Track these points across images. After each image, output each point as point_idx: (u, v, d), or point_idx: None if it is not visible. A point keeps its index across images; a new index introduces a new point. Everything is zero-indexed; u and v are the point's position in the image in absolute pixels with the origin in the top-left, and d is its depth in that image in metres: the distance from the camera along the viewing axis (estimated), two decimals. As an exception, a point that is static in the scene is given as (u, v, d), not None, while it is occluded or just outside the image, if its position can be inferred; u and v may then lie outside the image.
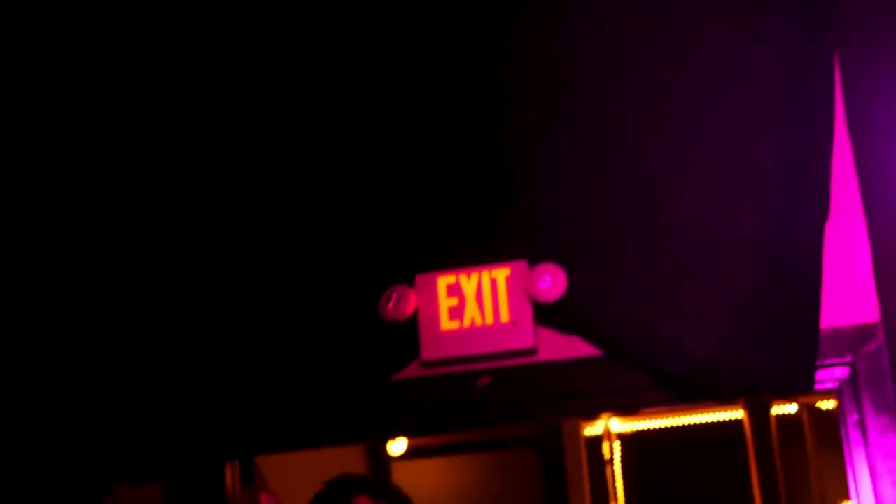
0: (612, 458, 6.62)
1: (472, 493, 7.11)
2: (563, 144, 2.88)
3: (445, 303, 2.86)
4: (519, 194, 2.87)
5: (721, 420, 6.53)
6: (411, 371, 2.90)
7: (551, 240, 2.84)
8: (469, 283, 2.86)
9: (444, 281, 2.87)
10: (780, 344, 2.66)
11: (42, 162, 3.09)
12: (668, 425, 6.66)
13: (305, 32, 3.05)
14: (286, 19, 3.05)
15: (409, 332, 2.87)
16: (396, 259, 2.91)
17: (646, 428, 6.70)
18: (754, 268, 2.70)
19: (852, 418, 2.80)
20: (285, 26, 3.05)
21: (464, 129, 2.93)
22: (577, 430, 6.67)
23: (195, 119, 3.05)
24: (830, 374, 2.84)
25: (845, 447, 2.81)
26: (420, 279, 2.88)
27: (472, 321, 2.85)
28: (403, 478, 6.55)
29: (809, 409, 6.34)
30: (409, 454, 6.86)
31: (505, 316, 2.83)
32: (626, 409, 4.70)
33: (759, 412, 6.29)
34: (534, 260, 2.83)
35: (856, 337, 2.74)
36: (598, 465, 6.64)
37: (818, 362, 2.69)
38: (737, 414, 6.40)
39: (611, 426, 6.65)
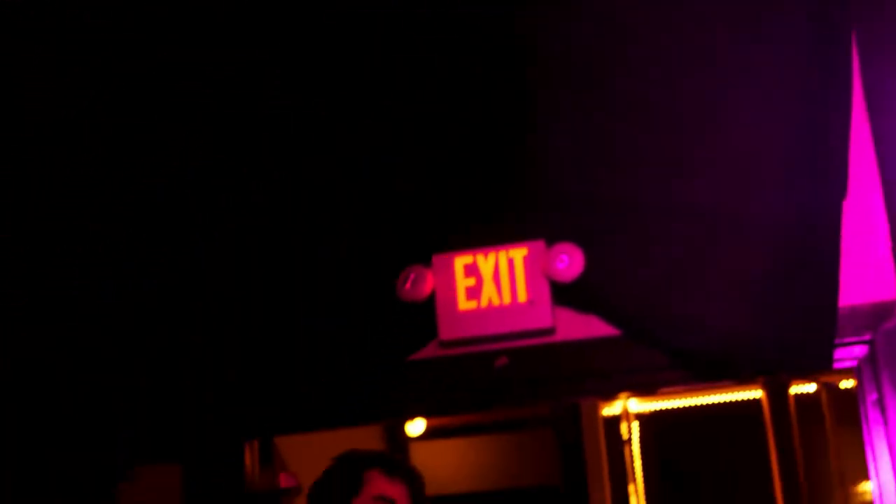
0: (630, 439, 6.62)
1: (490, 474, 7.13)
2: (579, 125, 2.87)
3: (463, 283, 2.86)
4: (536, 174, 2.87)
5: (739, 399, 6.52)
6: (429, 351, 2.91)
7: (569, 219, 2.84)
8: (486, 262, 2.86)
9: (461, 261, 2.87)
10: (798, 322, 2.65)
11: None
12: (687, 405, 6.65)
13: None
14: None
15: (426, 312, 2.87)
16: (413, 240, 2.92)
17: (664, 408, 6.70)
18: (772, 246, 2.70)
19: (871, 397, 2.79)
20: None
21: (478, 114, 2.92)
22: (595, 410, 6.67)
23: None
24: (849, 353, 2.84)
25: (864, 426, 2.81)
26: (437, 259, 2.88)
27: (490, 301, 2.85)
28: (421, 458, 6.57)
29: (828, 388, 6.33)
30: (427, 435, 6.88)
31: (522, 296, 2.83)
32: (645, 388, 4.69)
33: (777, 391, 6.28)
34: (551, 239, 2.83)
35: (874, 315, 2.74)
36: (617, 445, 6.64)
37: (837, 341, 2.68)
38: (755, 393, 6.40)
39: (629, 406, 6.65)
